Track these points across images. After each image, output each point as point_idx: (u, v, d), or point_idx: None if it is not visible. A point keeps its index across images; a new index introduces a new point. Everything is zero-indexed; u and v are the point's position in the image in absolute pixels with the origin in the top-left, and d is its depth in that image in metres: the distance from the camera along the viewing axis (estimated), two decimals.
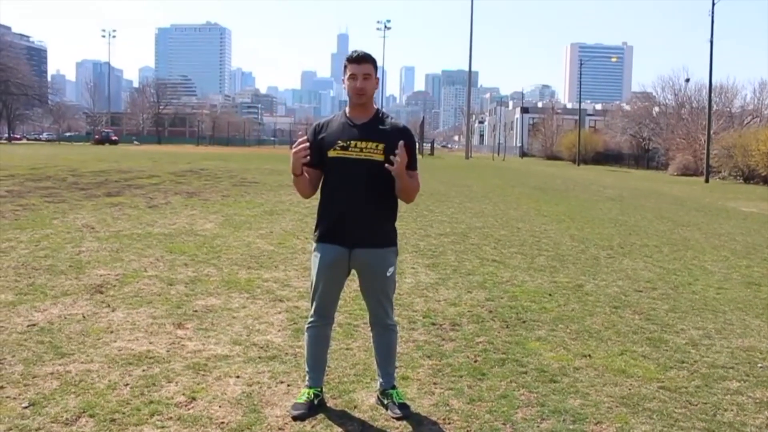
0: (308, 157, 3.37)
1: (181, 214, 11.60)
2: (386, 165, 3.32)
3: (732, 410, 3.78)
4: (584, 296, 6.54)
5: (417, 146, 3.66)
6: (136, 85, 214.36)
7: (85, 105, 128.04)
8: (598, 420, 3.57)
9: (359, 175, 3.40)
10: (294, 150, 3.35)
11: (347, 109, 3.54)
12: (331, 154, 3.43)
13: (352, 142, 3.41)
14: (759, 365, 4.62)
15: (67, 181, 17.93)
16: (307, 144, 3.37)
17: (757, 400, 3.95)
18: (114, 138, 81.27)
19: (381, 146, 3.39)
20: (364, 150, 3.39)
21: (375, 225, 3.48)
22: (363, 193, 3.40)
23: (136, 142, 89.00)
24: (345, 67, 3.45)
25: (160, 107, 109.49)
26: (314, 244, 3.59)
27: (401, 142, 3.32)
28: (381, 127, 3.46)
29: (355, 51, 3.47)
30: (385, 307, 3.61)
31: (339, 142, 3.42)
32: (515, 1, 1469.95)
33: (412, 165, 3.42)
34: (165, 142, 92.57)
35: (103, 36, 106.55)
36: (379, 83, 3.53)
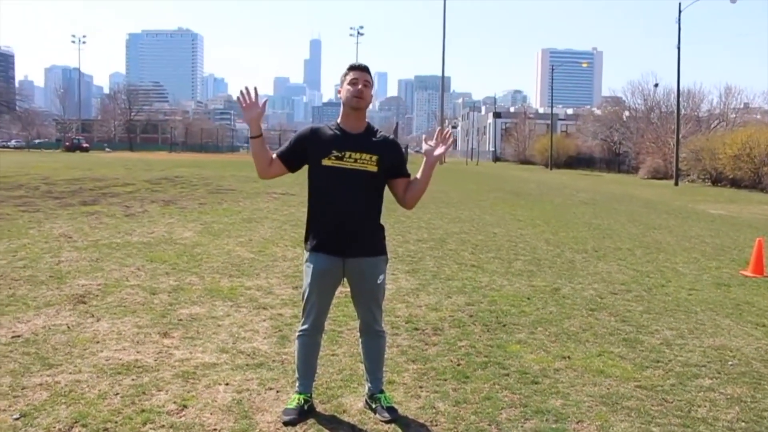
0: (260, 112, 3.51)
1: (159, 223, 11.57)
2: (425, 151, 3.59)
3: (705, 406, 3.95)
4: (561, 299, 6.71)
5: (405, 155, 3.81)
6: (106, 91, 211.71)
7: (55, 111, 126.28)
8: (580, 419, 3.71)
9: (354, 185, 3.49)
10: (245, 105, 3.51)
11: (339, 120, 3.62)
12: (326, 162, 3.50)
13: (347, 152, 3.49)
14: (729, 363, 4.81)
15: (41, 190, 17.73)
16: (257, 100, 3.51)
17: (729, 396, 4.12)
18: (85, 145, 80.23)
19: (375, 158, 3.50)
20: (358, 161, 3.49)
21: (369, 234, 3.58)
22: (358, 203, 3.50)
23: (107, 149, 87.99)
24: (345, 75, 3.55)
25: (132, 114, 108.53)
26: (307, 254, 3.64)
27: (437, 129, 3.59)
28: (374, 139, 3.57)
29: (356, 62, 3.63)
30: (374, 314, 3.71)
31: (334, 151, 3.49)
32: (487, 7, 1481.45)
33: (405, 172, 3.64)
34: (137, 149, 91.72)
35: (73, 41, 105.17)
36: (372, 99, 3.64)
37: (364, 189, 3.52)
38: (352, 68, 3.56)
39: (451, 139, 3.65)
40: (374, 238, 3.62)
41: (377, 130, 3.65)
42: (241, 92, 3.51)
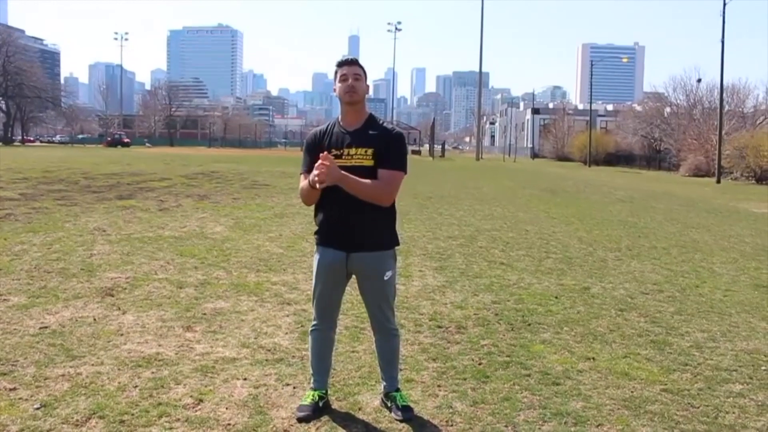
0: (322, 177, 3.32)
1: (191, 217, 11.71)
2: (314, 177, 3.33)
3: (734, 413, 3.81)
4: (590, 299, 6.57)
5: (404, 148, 3.67)
6: (148, 87, 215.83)
7: (98, 107, 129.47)
8: (600, 422, 3.61)
9: None
10: (317, 172, 3.29)
11: (340, 117, 3.62)
12: None
13: (344, 150, 3.48)
14: (763, 368, 4.64)
15: (80, 184, 18.12)
16: (328, 165, 3.30)
17: (759, 403, 3.97)
18: (126, 140, 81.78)
19: (370, 151, 3.46)
20: (354, 157, 3.46)
21: (371, 229, 3.53)
22: (356, 199, 3.43)
23: (148, 145, 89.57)
24: (335, 73, 3.55)
25: (172, 109, 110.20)
26: (315, 247, 3.67)
27: (323, 154, 3.31)
28: (371, 132, 3.52)
29: (344, 56, 3.62)
30: (385, 312, 3.66)
31: (333, 150, 3.48)
32: (526, 2, 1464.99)
33: (389, 163, 3.45)
34: (177, 144, 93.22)
35: (116, 38, 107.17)
36: (369, 90, 3.62)
37: None
38: (340, 64, 3.55)
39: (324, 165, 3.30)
40: (378, 233, 3.56)
41: (380, 122, 3.60)
42: (320, 165, 3.27)
